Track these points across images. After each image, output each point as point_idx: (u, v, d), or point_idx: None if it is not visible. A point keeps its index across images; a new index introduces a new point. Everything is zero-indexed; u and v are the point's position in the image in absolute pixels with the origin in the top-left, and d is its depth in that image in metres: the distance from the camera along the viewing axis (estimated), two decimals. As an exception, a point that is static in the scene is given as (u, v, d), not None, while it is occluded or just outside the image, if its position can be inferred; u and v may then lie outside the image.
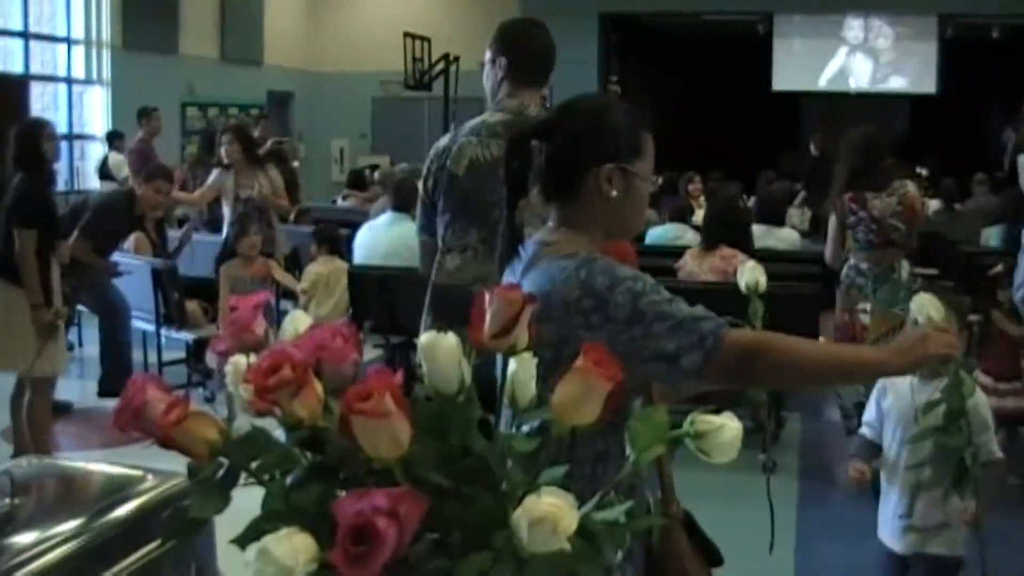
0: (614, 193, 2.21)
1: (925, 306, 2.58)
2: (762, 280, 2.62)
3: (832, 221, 6.30)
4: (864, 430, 3.80)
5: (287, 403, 1.20)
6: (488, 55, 3.78)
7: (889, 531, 3.68)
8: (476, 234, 3.63)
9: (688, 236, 8.49)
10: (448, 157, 3.68)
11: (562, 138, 2.25)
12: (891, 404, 3.71)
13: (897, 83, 18.35)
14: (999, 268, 6.56)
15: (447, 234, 3.67)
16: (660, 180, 11.63)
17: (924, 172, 13.21)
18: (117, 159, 12.25)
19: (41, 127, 6.01)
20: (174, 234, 9.01)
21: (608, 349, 1.63)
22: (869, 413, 3.82)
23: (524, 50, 3.74)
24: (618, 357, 1.93)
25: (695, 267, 6.54)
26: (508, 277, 2.26)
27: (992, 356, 5.99)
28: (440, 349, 1.24)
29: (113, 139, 12.70)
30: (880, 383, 3.74)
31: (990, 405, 5.49)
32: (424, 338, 1.26)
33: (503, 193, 3.62)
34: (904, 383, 3.57)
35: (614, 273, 2.09)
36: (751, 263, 2.70)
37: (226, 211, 8.21)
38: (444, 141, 3.77)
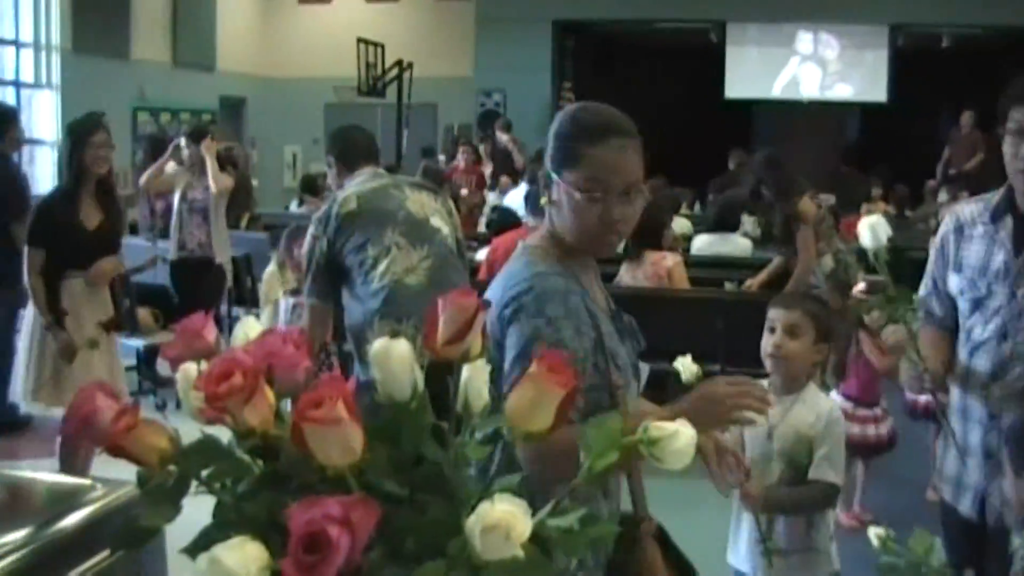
0: (543, 200, 2.23)
1: None
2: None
3: (809, 232, 6.48)
4: None
5: (238, 411, 1.19)
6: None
7: (746, 555, 3.36)
8: (391, 233, 4.14)
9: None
10: (335, 213, 4.21)
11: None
12: None
13: (846, 92, 18.51)
14: (861, 285, 6.38)
15: (371, 251, 4.12)
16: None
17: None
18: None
19: (89, 132, 5.32)
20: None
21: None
22: None
23: (343, 146, 4.57)
24: None
25: (631, 279, 6.55)
26: None
27: (853, 380, 5.58)
28: (393, 356, 1.23)
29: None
30: None
31: (851, 432, 5.35)
32: (377, 345, 1.25)
33: (399, 199, 4.18)
34: None
35: (542, 306, 2.10)
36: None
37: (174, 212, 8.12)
38: (321, 212, 4.35)
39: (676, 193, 11.93)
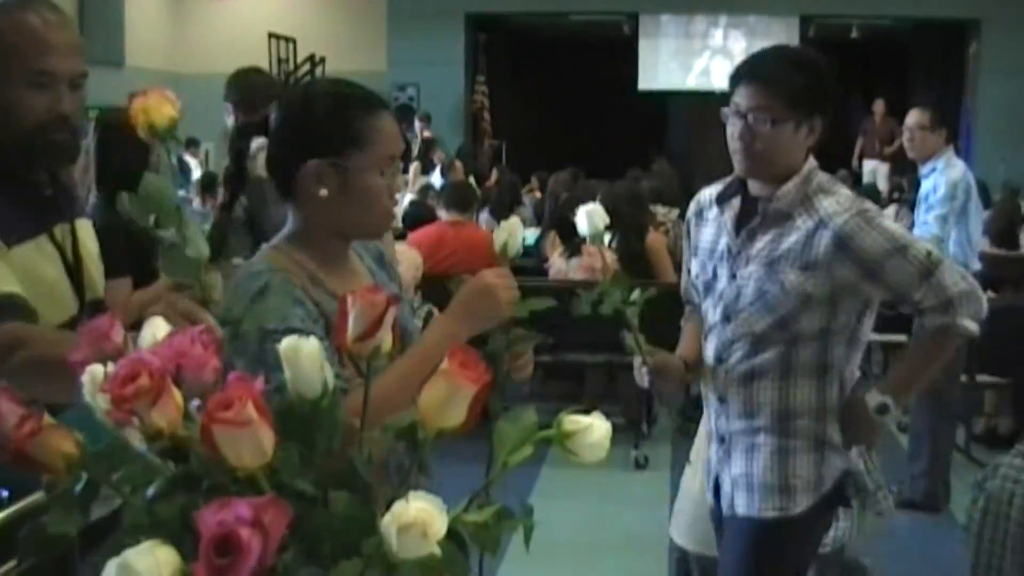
0: (323, 192, 2.01)
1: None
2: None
3: (665, 260, 6.86)
4: None
5: (145, 413, 1.17)
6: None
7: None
8: None
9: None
10: None
11: (273, 135, 2.13)
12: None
13: (757, 83, 18.72)
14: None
15: None
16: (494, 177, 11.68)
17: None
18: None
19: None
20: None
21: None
22: None
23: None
24: None
25: (563, 266, 6.62)
26: None
27: None
28: (303, 354, 1.22)
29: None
30: None
31: None
32: (286, 343, 1.23)
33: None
34: None
35: (265, 319, 1.93)
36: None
37: None
38: None
39: (592, 184, 11.97)
